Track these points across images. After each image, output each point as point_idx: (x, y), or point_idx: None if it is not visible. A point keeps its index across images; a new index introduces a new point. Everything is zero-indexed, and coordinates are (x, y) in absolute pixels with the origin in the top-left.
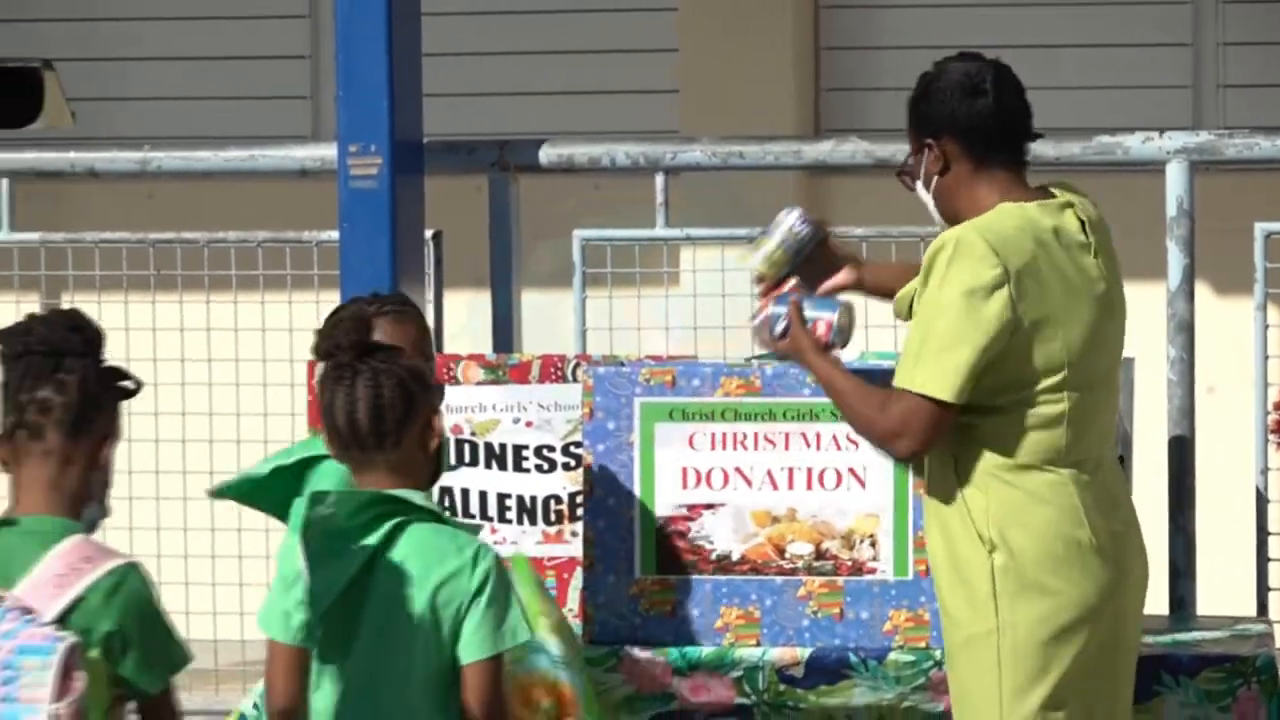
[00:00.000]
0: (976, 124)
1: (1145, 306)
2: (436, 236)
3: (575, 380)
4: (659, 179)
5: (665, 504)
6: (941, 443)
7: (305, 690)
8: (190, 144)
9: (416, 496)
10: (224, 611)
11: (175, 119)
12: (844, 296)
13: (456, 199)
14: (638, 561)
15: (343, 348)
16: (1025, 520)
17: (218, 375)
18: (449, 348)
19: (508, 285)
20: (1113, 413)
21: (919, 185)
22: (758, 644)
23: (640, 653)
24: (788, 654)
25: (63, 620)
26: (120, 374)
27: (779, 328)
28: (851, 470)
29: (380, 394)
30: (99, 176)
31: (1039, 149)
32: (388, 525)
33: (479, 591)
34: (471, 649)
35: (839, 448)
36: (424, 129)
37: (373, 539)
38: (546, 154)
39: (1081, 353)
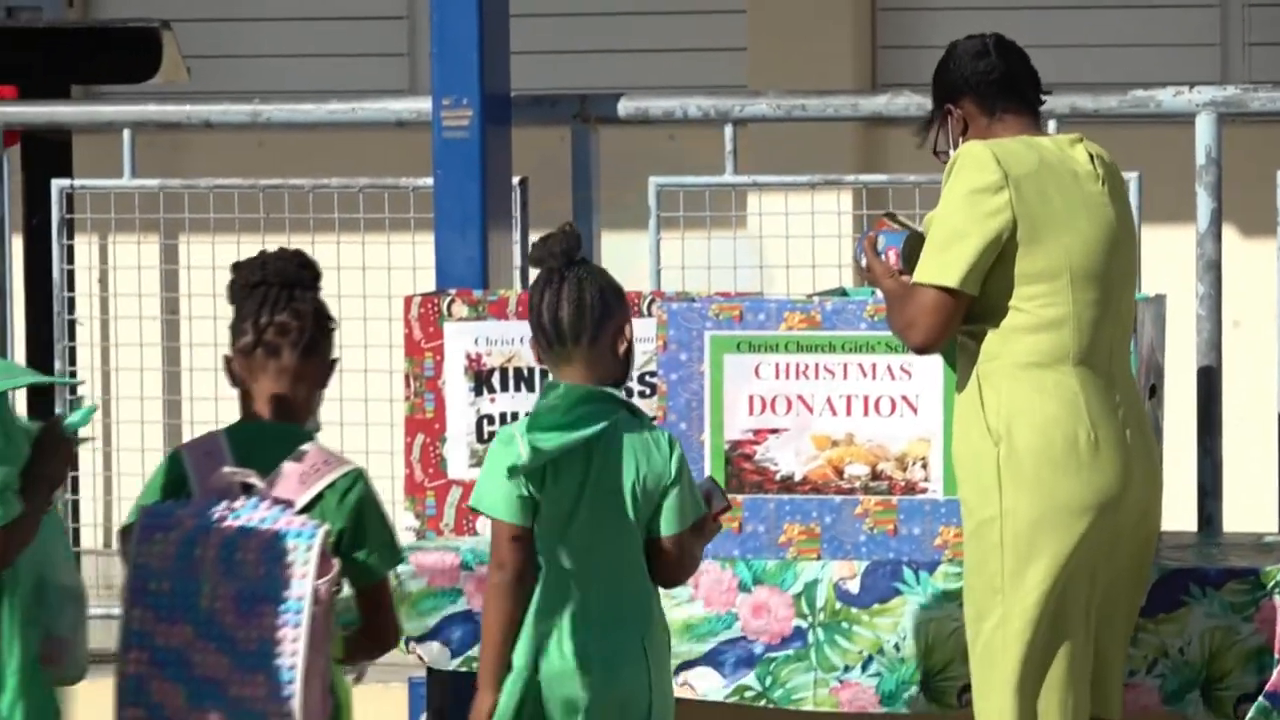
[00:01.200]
0: (984, 79)
1: (1176, 247)
2: (523, 183)
3: (650, 315)
4: (728, 130)
5: (733, 429)
6: (964, 348)
7: (530, 562)
8: (297, 97)
9: (618, 394)
10: None
11: (283, 74)
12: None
13: (541, 148)
14: None
15: (554, 255)
16: (1029, 415)
17: None
18: None
19: (588, 228)
20: (1123, 333)
21: (951, 151)
22: (818, 557)
23: (709, 566)
24: (845, 567)
25: (304, 514)
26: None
27: (862, 261)
28: (905, 398)
29: (583, 296)
30: (213, 127)
31: (1079, 101)
32: (604, 421)
33: (675, 477)
34: (670, 524)
35: (893, 377)
36: (511, 83)
37: (590, 430)
38: (624, 107)
39: (1083, 262)
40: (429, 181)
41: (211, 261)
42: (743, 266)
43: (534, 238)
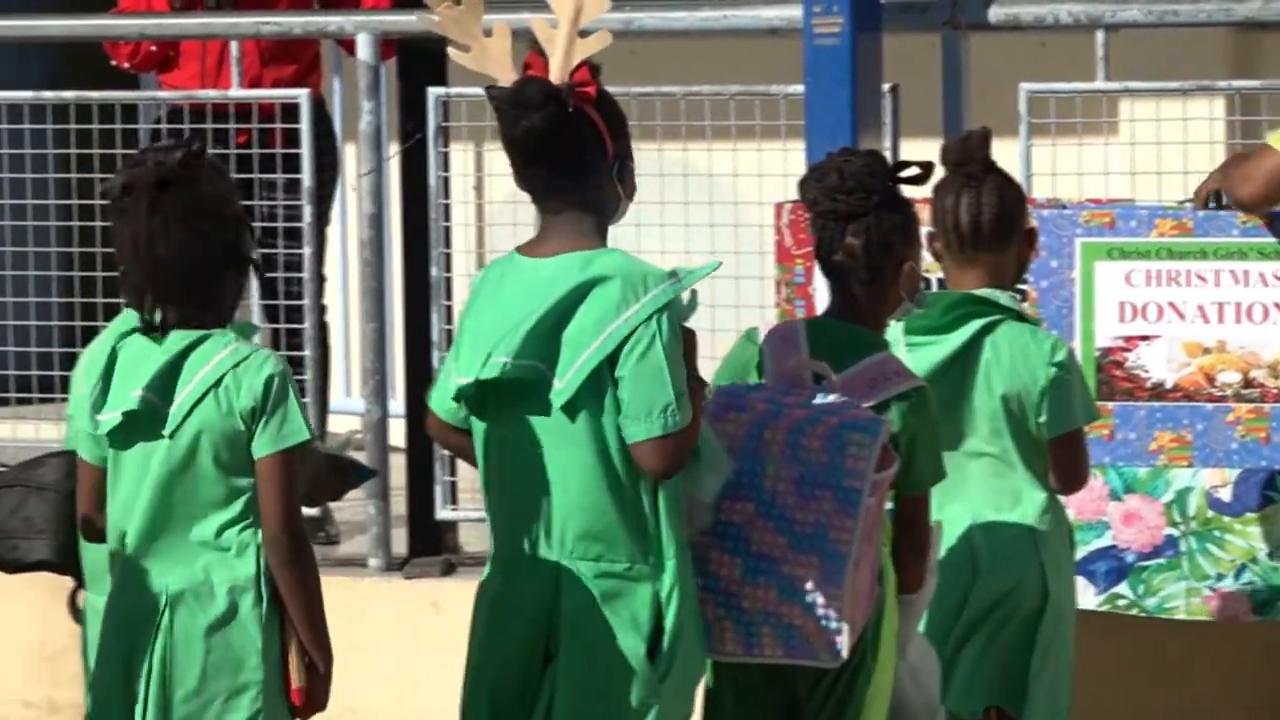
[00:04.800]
0: None
1: None
2: (893, 90)
3: None
4: (1099, 35)
5: (1104, 336)
6: None
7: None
8: (669, 5)
9: (1002, 297)
10: None
11: None
12: None
13: (912, 55)
14: None
15: (975, 159)
16: None
17: (694, 216)
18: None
19: (958, 134)
20: None
21: None
22: (1189, 465)
23: None
24: (1217, 475)
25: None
26: None
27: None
28: (1278, 305)
29: (1002, 201)
30: (586, 35)
31: None
32: (978, 322)
33: (1053, 378)
34: (1058, 424)
35: (1265, 284)
36: None
37: (964, 333)
38: (995, 13)
39: None
40: (800, 89)
41: None
42: (1114, 173)
43: (904, 146)
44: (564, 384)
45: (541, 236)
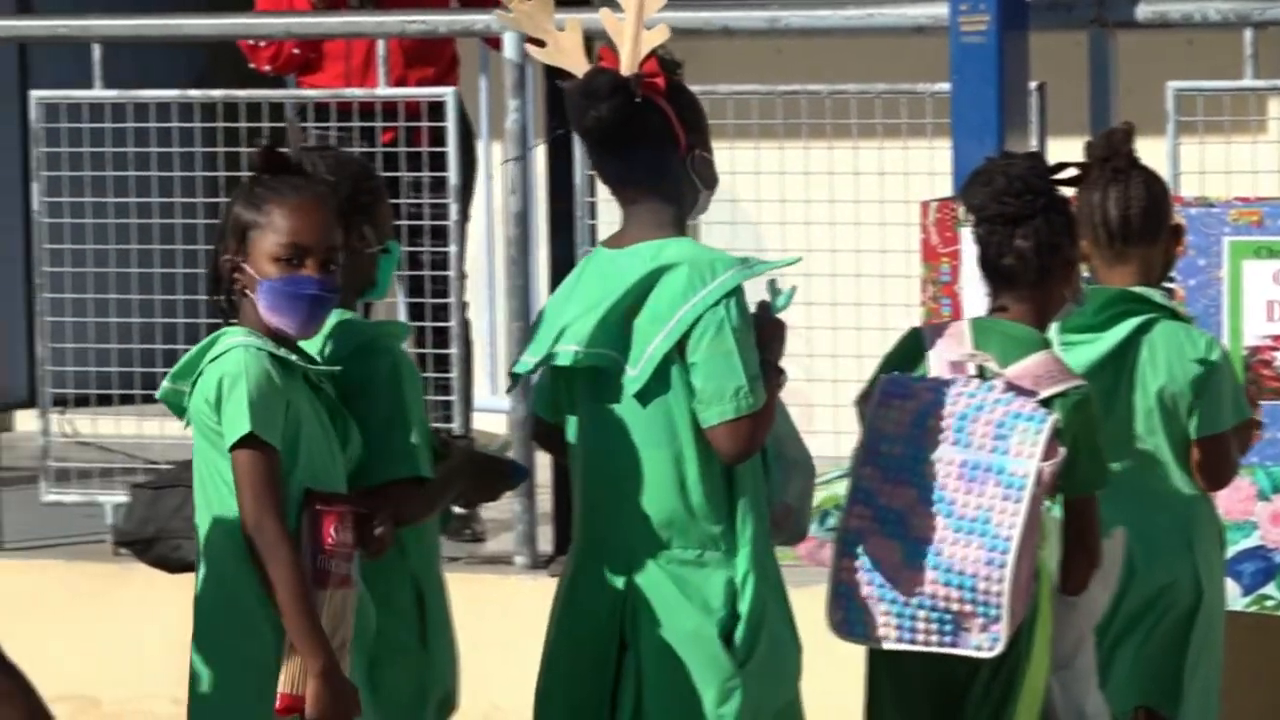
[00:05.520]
0: None
1: None
2: (1040, 88)
3: None
4: (1248, 33)
5: (1252, 334)
6: None
7: None
8: (814, 4)
9: (1156, 294)
10: None
11: None
12: None
13: (1058, 53)
14: None
15: (1119, 154)
16: None
17: (838, 215)
18: None
19: None
20: None
21: None
22: None
23: None
24: None
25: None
26: None
27: None
28: None
29: (1151, 195)
30: (732, 33)
31: None
32: (1134, 321)
33: (1206, 380)
34: (1207, 424)
35: None
36: None
37: (1119, 331)
38: (1142, 11)
39: None
40: (946, 87)
41: (731, 167)
42: (1262, 171)
43: (1051, 144)
44: (637, 371)
45: (622, 228)
